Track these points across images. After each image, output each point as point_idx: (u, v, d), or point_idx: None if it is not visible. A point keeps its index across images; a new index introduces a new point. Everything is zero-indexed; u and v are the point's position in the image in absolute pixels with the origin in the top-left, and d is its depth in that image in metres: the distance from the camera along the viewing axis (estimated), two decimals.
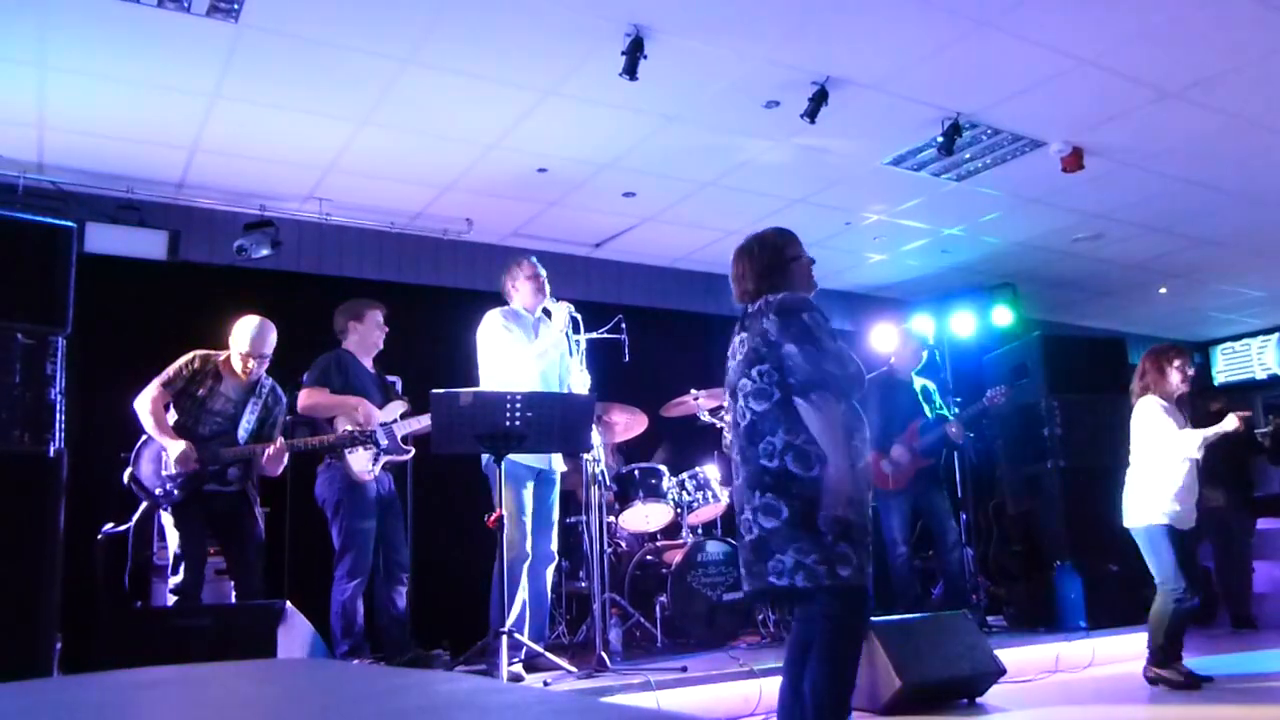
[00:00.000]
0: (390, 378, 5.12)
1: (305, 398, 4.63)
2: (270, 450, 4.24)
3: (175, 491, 4.14)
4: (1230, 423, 4.50)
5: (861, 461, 2.83)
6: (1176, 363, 4.67)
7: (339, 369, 4.73)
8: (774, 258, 3.05)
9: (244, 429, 4.33)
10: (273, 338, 4.38)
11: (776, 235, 3.12)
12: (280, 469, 4.35)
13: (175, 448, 4.12)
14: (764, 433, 2.83)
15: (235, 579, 4.39)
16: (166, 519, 4.27)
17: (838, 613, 2.76)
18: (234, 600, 4.37)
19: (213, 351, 4.39)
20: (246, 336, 4.31)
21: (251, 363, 4.32)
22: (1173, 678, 4.47)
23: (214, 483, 4.25)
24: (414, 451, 4.75)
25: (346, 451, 4.60)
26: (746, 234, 3.15)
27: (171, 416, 4.26)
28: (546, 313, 4.73)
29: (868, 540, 2.81)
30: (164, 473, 4.14)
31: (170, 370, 4.29)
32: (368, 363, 4.88)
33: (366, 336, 4.87)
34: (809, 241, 3.21)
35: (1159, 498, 4.51)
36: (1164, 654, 4.51)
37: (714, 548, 5.47)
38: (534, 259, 4.82)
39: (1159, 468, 4.55)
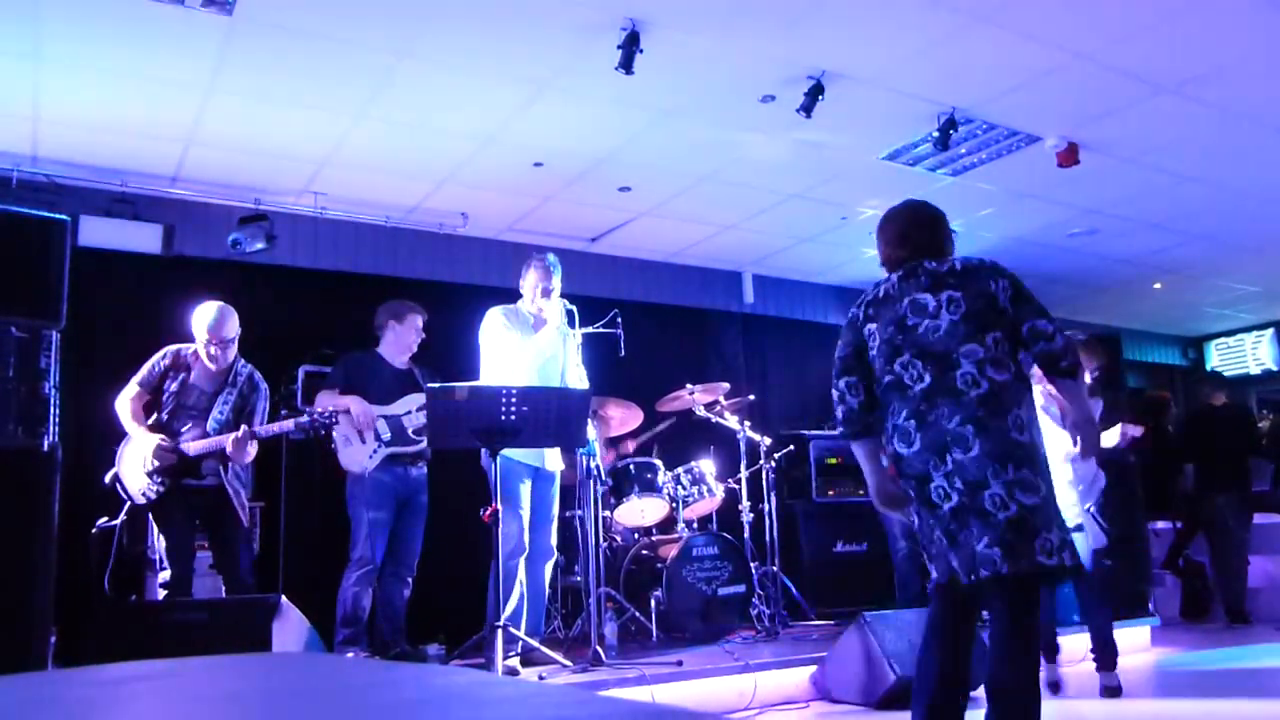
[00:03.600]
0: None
1: (317, 401, 4.74)
2: (231, 438, 4.18)
3: (153, 489, 4.14)
4: (1113, 437, 4.35)
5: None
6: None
7: (345, 371, 4.82)
8: (943, 225, 3.02)
9: (214, 420, 4.27)
10: (233, 322, 4.33)
11: (937, 208, 3.08)
12: (247, 457, 4.27)
13: (148, 443, 4.13)
14: (1009, 405, 2.66)
15: (222, 573, 4.40)
16: (150, 516, 4.29)
17: (1029, 603, 2.66)
18: (224, 594, 4.38)
19: (182, 345, 4.37)
20: (205, 324, 4.27)
21: (214, 349, 4.27)
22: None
23: (189, 477, 4.22)
24: (425, 442, 4.74)
25: (342, 445, 4.66)
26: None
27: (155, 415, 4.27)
28: None
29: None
30: (144, 469, 4.14)
31: (144, 369, 4.29)
32: (400, 362, 4.91)
33: (402, 338, 4.91)
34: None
35: None
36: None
37: (708, 542, 5.47)
38: (549, 262, 4.76)
39: None
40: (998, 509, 2.58)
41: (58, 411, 3.21)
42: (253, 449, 4.28)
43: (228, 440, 4.18)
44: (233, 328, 4.33)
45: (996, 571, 2.58)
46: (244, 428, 4.22)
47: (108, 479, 4.24)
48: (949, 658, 2.74)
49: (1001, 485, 2.59)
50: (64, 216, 3.37)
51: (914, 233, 2.99)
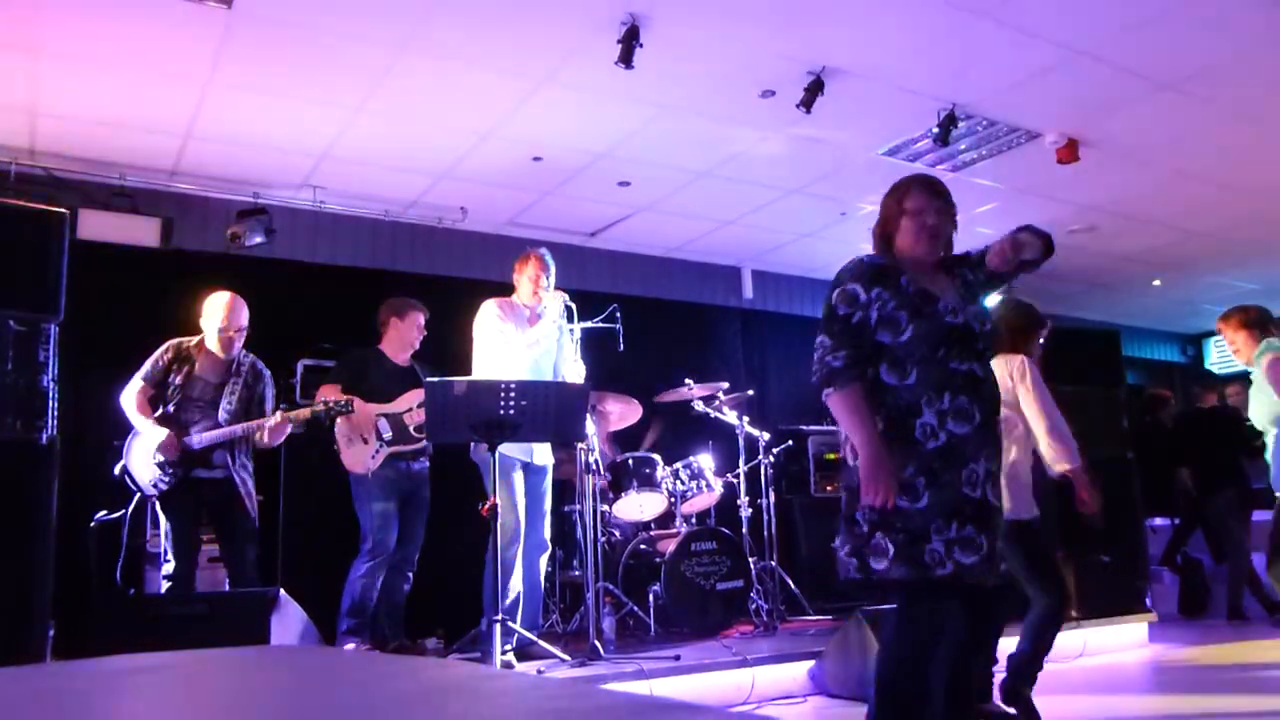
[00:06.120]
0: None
1: (319, 395, 4.75)
2: (269, 424, 4.28)
3: (163, 481, 4.15)
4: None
5: (933, 443, 2.45)
6: (1044, 332, 4.06)
7: (348, 368, 4.84)
8: (887, 210, 2.74)
9: (224, 411, 4.31)
10: (246, 310, 4.40)
11: (896, 186, 2.74)
12: (277, 440, 4.41)
13: (157, 436, 4.14)
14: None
15: (227, 566, 4.41)
16: (158, 507, 4.30)
17: (899, 607, 2.50)
18: (227, 588, 4.39)
19: (186, 338, 4.39)
20: (220, 312, 4.32)
21: (231, 334, 4.33)
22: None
23: (200, 468, 4.25)
24: (424, 440, 4.74)
25: (345, 445, 4.69)
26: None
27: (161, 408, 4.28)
28: None
29: (928, 527, 2.40)
30: (154, 461, 4.15)
31: (148, 363, 4.31)
32: (401, 359, 4.93)
33: (404, 335, 4.94)
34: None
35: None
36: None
37: (707, 537, 5.47)
38: (544, 255, 4.76)
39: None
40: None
41: (56, 404, 3.22)
42: (285, 431, 4.39)
43: (267, 424, 4.26)
44: (245, 316, 4.40)
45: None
46: (279, 413, 4.31)
47: (117, 470, 4.25)
48: None
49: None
50: (62, 210, 3.37)
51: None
